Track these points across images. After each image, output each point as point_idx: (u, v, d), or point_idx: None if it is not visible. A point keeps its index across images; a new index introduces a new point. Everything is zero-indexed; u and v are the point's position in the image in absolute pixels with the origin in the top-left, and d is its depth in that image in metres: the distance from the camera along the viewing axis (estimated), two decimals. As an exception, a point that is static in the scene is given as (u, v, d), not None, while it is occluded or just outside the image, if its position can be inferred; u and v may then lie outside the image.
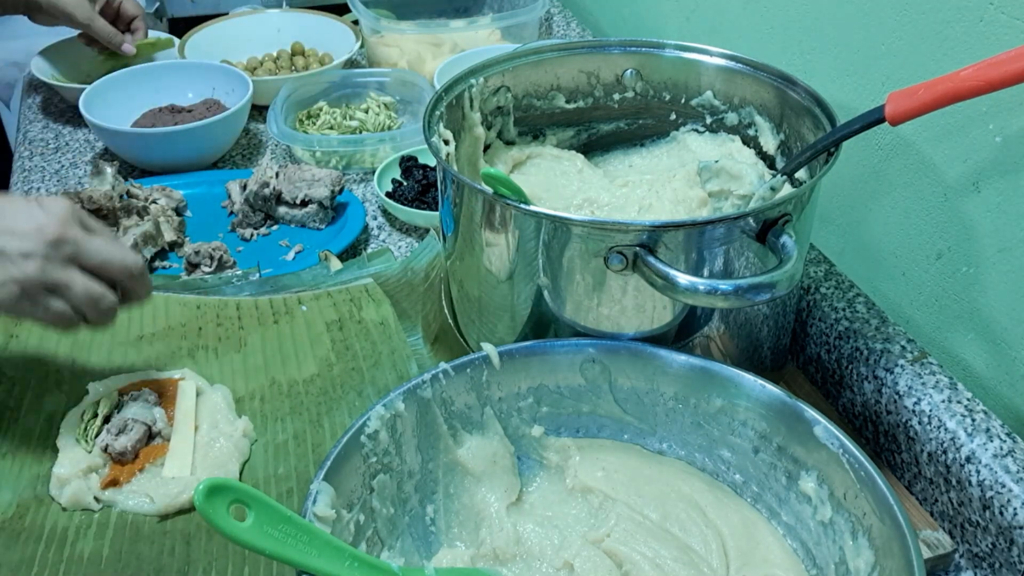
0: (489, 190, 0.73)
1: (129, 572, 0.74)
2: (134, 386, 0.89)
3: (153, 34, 1.54)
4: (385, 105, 1.39)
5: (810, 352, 0.91)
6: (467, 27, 1.47)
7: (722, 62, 0.91)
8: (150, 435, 0.84)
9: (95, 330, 0.82)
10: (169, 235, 1.13)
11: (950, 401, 0.77)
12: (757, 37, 1.08)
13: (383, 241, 1.16)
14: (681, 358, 0.73)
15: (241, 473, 0.83)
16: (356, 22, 1.54)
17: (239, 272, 1.08)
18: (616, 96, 0.97)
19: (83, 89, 1.31)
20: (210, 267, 1.08)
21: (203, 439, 0.84)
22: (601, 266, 0.71)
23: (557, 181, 0.93)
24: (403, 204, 1.15)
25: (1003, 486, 0.70)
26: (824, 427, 0.66)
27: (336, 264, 1.08)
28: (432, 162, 1.20)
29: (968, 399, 0.77)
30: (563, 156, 0.96)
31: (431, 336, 0.96)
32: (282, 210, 1.18)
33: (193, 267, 1.08)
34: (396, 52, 1.49)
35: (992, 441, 0.73)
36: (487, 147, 0.96)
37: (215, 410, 0.87)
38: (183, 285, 1.05)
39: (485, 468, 0.74)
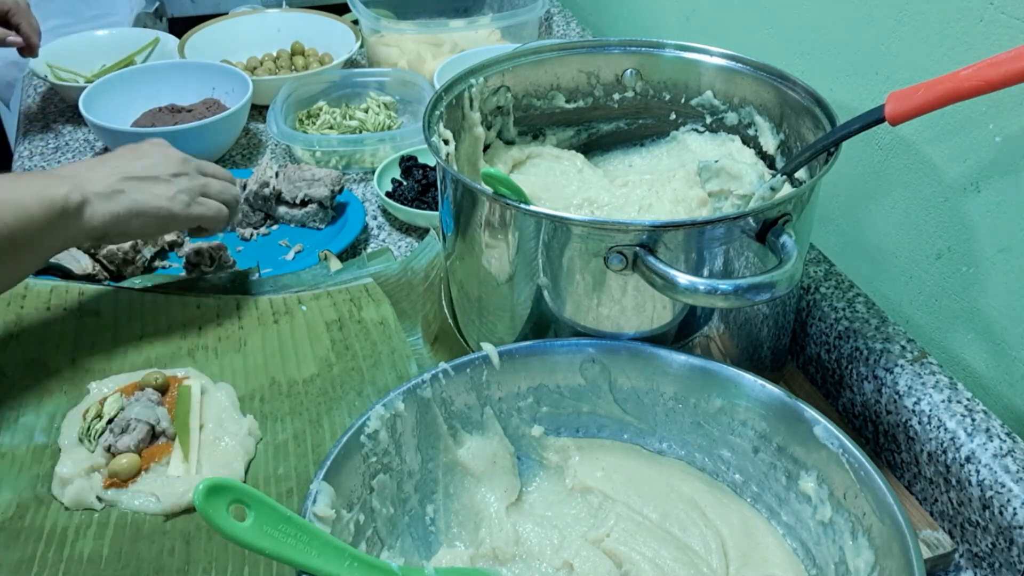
0: (489, 190, 0.73)
1: (129, 572, 0.74)
2: (136, 385, 0.89)
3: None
4: (385, 105, 1.39)
5: (810, 352, 0.91)
6: (467, 27, 1.47)
7: (722, 62, 0.91)
8: (154, 434, 0.84)
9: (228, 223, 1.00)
10: (169, 235, 1.13)
11: (950, 401, 0.77)
12: (757, 37, 1.08)
13: (383, 241, 1.16)
14: (681, 358, 0.73)
15: (246, 472, 0.83)
16: (356, 22, 1.54)
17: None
18: (616, 96, 0.97)
19: (83, 89, 1.31)
20: (210, 267, 1.08)
21: (208, 438, 0.84)
22: (601, 266, 0.71)
23: (557, 181, 0.93)
24: (403, 204, 1.15)
25: (1003, 486, 0.70)
26: (824, 427, 0.66)
27: (336, 264, 1.08)
28: (432, 162, 1.20)
29: (968, 399, 0.77)
30: (563, 156, 0.96)
31: (431, 336, 0.96)
32: (282, 210, 1.18)
33: (193, 267, 1.08)
34: (396, 52, 1.49)
35: (992, 441, 0.73)
36: (487, 147, 0.96)
37: (220, 409, 0.87)
38: (183, 285, 1.05)
39: (485, 468, 0.74)
